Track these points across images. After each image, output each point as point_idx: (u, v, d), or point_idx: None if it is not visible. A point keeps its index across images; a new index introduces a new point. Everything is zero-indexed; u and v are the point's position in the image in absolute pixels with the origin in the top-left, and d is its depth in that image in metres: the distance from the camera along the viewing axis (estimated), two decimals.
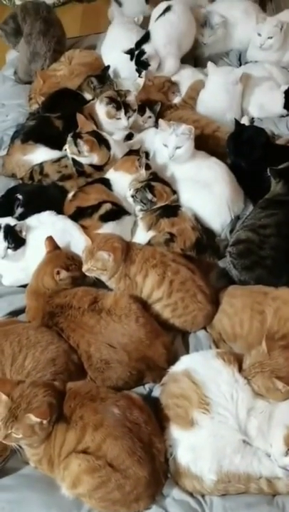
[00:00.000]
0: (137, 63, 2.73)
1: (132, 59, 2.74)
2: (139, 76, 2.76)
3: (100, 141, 2.26)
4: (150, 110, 2.53)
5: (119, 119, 2.40)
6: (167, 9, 2.80)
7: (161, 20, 2.79)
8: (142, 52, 2.70)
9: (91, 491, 1.37)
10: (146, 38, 2.71)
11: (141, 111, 2.50)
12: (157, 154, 2.28)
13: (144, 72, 2.74)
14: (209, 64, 2.66)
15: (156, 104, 2.53)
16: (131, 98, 2.42)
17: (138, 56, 2.71)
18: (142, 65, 2.72)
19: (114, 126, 2.43)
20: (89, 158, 2.23)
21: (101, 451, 1.38)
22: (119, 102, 2.39)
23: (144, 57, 2.70)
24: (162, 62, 2.76)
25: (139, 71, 2.75)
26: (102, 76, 2.70)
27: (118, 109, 2.39)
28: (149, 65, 2.71)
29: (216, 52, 3.07)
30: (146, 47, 2.70)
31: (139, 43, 2.72)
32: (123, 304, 1.71)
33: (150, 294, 1.79)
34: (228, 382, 1.52)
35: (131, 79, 2.79)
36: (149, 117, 2.53)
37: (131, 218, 2.14)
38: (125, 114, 2.39)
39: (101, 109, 2.42)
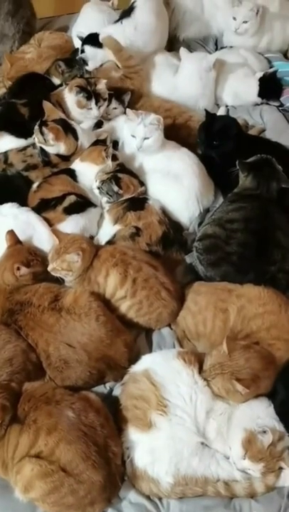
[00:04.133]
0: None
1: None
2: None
3: (67, 129, 2.18)
4: (117, 100, 2.41)
5: (90, 109, 2.32)
6: (127, 12, 2.65)
7: (117, 26, 2.64)
8: (82, 51, 2.61)
9: (44, 495, 1.35)
10: (93, 40, 2.57)
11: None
12: (125, 145, 2.22)
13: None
14: (181, 49, 2.59)
15: (126, 93, 2.42)
16: (101, 86, 2.33)
17: (81, 51, 2.63)
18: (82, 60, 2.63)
19: (85, 115, 2.35)
20: (55, 147, 2.16)
21: (54, 456, 1.36)
22: (89, 92, 2.30)
23: (82, 55, 2.60)
24: None
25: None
26: (71, 60, 2.61)
27: (89, 98, 2.30)
28: (86, 64, 2.60)
29: (192, 36, 2.98)
30: (88, 48, 2.60)
31: (86, 40, 2.61)
32: (83, 302, 1.67)
33: (113, 293, 1.76)
34: (187, 383, 1.51)
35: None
36: (115, 108, 2.41)
37: (97, 210, 2.08)
38: (96, 103, 2.31)
39: (71, 98, 2.33)
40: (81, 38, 2.66)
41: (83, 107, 2.32)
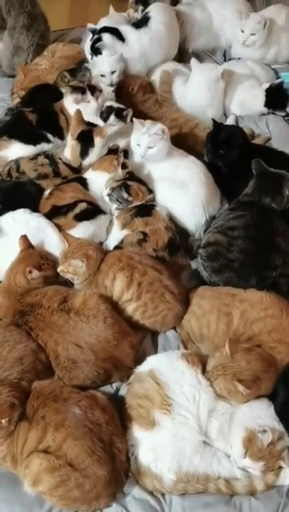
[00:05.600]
0: (91, 46, 2.69)
1: (91, 40, 2.71)
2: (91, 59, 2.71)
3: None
4: (117, 117, 2.38)
5: (88, 102, 2.39)
6: (144, 22, 2.74)
7: (135, 32, 2.72)
8: (99, 39, 2.65)
9: (51, 489, 1.40)
10: (116, 32, 2.62)
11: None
12: (133, 153, 2.28)
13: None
14: (192, 60, 2.66)
15: (127, 109, 2.39)
16: (94, 81, 2.45)
17: (95, 40, 2.66)
18: (94, 50, 2.66)
19: (87, 112, 2.35)
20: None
21: (61, 451, 1.41)
22: (83, 87, 2.40)
23: (98, 44, 2.64)
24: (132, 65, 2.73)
25: (92, 54, 2.69)
26: (75, 69, 2.68)
27: (84, 92, 2.39)
28: (100, 54, 2.63)
29: (200, 48, 3.05)
30: (106, 36, 2.64)
31: (104, 29, 2.66)
32: (91, 304, 1.73)
33: (120, 296, 1.81)
34: (190, 383, 1.55)
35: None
36: (112, 125, 2.36)
37: (106, 217, 2.15)
38: (92, 94, 2.39)
39: (68, 100, 2.41)
40: (94, 30, 2.69)
41: (80, 102, 2.39)
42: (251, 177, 2.04)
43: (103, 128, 2.26)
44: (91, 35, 2.73)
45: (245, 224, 1.90)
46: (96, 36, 2.67)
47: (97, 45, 2.64)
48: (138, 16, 2.99)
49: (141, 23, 2.76)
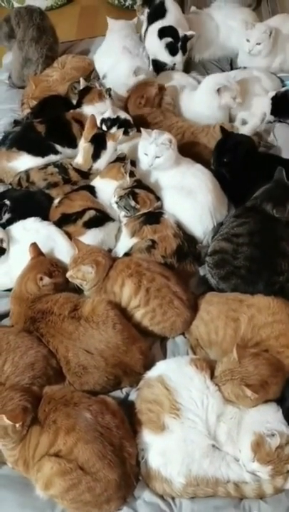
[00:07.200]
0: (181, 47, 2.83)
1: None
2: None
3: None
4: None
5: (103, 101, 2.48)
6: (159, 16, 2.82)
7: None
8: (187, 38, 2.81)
9: (62, 492, 1.42)
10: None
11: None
12: (140, 162, 2.31)
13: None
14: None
15: (132, 128, 2.42)
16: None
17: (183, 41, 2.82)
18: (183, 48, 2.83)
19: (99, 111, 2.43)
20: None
21: (72, 455, 1.43)
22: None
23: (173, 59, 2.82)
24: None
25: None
26: (85, 80, 2.71)
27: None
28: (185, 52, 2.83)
29: (207, 57, 3.09)
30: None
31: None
32: (100, 310, 1.75)
33: (128, 302, 1.84)
34: (199, 388, 1.57)
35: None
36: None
37: (115, 224, 2.17)
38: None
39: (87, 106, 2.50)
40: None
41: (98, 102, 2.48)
42: (256, 185, 2.07)
43: (116, 132, 2.31)
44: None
45: (249, 231, 1.92)
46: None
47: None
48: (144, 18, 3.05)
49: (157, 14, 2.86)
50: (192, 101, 2.68)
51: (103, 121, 2.41)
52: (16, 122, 2.68)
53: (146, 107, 2.60)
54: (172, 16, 2.90)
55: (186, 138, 2.46)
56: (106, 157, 2.27)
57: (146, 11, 3.04)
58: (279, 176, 2.07)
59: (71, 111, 2.53)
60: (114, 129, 2.38)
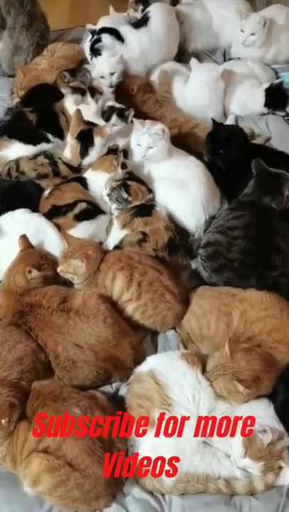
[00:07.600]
0: (91, 47, 2.70)
1: (90, 40, 2.72)
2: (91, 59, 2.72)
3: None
4: (119, 117, 2.42)
5: (88, 104, 2.40)
6: (143, 22, 2.75)
7: (134, 31, 2.74)
8: (98, 40, 2.66)
9: (51, 489, 1.40)
10: (116, 33, 2.62)
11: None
12: (133, 153, 2.28)
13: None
14: (192, 60, 2.66)
15: (129, 109, 2.43)
16: (96, 83, 2.45)
17: (94, 41, 2.67)
18: (94, 51, 2.67)
19: (86, 113, 2.35)
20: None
21: (61, 451, 1.41)
22: (83, 89, 2.42)
23: (98, 45, 2.65)
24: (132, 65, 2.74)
25: (91, 55, 2.70)
26: (75, 69, 2.68)
27: (84, 94, 2.41)
28: (100, 54, 2.63)
29: (200, 48, 3.06)
30: (105, 37, 2.64)
31: (103, 30, 2.66)
32: (91, 304, 1.73)
33: (120, 295, 1.81)
34: (190, 383, 1.55)
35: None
36: (114, 125, 2.40)
37: (106, 217, 2.14)
38: (92, 97, 2.41)
39: (69, 101, 2.42)
40: (93, 31, 2.70)
41: (80, 103, 2.40)
42: (251, 177, 2.04)
43: (103, 127, 2.26)
44: (90, 35, 2.72)
45: (244, 224, 1.90)
46: (95, 37, 2.67)
47: (96, 46, 2.64)
48: (138, 15, 3.00)
49: (140, 23, 2.77)
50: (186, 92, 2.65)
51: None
52: (9, 110, 2.64)
53: (139, 94, 2.58)
54: None
55: (184, 132, 2.45)
56: (94, 154, 2.25)
57: (141, 8, 3.01)
58: (261, 167, 2.04)
59: (59, 102, 2.49)
60: (114, 118, 2.37)
